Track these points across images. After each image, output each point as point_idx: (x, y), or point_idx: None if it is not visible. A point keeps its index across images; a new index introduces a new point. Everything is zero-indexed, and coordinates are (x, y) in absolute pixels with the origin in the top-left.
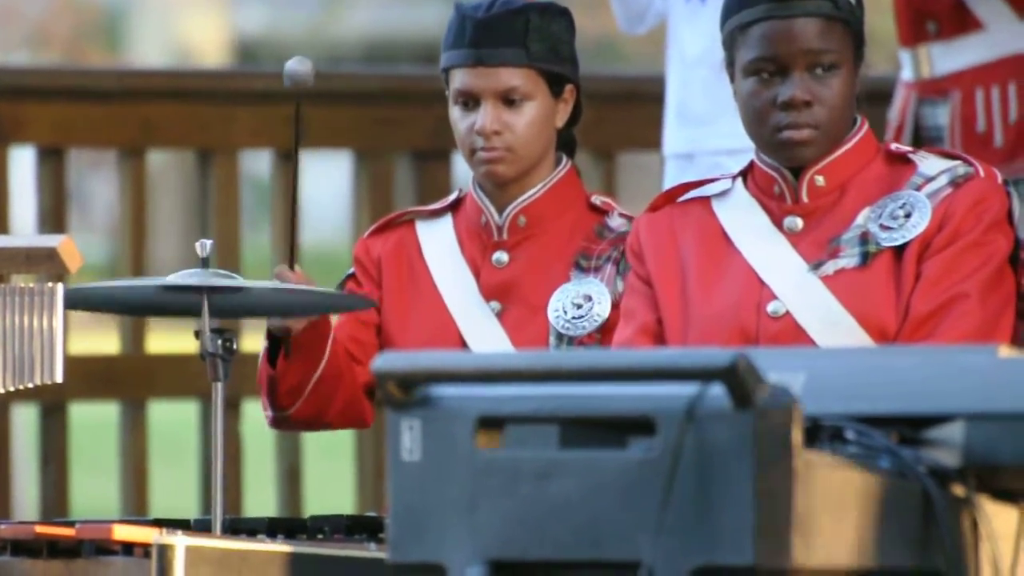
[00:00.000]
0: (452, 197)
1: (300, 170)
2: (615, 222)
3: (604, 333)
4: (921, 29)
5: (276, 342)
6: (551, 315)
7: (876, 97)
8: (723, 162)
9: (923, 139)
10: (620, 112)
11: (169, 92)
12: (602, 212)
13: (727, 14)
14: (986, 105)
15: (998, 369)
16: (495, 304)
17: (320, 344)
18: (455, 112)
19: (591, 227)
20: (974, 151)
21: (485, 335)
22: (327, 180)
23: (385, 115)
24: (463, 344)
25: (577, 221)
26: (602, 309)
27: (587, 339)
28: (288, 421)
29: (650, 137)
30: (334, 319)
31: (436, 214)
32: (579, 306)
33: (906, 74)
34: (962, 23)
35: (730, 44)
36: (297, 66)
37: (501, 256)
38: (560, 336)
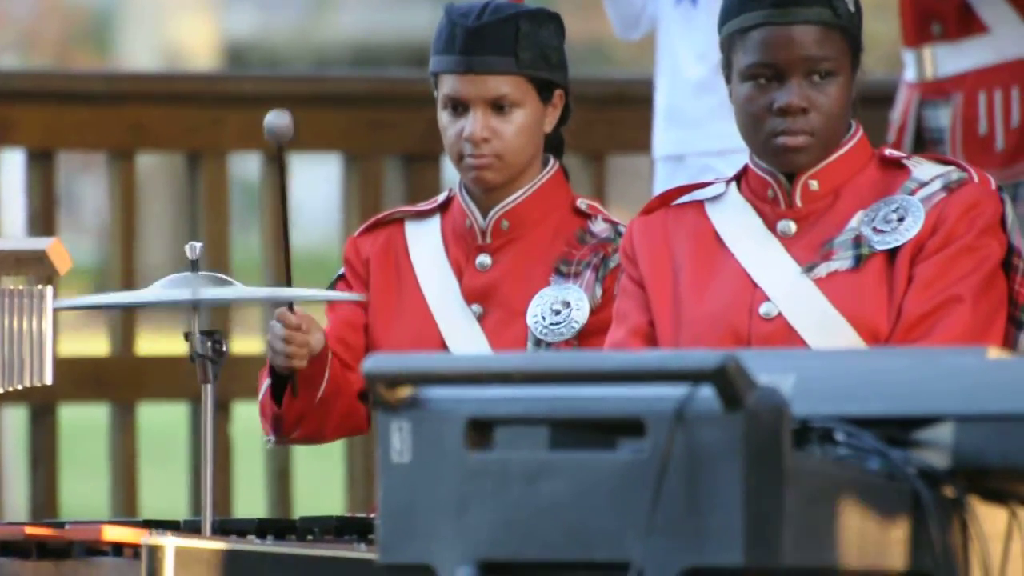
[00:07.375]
0: (441, 197)
1: (289, 172)
2: (598, 227)
3: (581, 339)
4: (926, 30)
5: (279, 377)
6: (530, 320)
7: (871, 100)
8: (713, 163)
9: (925, 140)
10: (610, 115)
11: (158, 95)
12: (586, 216)
13: (726, 17)
14: (988, 108)
15: (987, 371)
16: (476, 307)
17: (320, 370)
18: (443, 116)
19: (573, 232)
20: (975, 154)
21: (465, 338)
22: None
23: (374, 118)
24: (443, 346)
25: (560, 225)
26: (580, 315)
27: (564, 345)
28: (290, 441)
29: (640, 140)
30: (323, 321)
31: (425, 214)
32: (557, 312)
33: (909, 74)
34: (967, 25)
35: (728, 47)
36: (276, 120)
37: (484, 259)
38: (538, 341)
